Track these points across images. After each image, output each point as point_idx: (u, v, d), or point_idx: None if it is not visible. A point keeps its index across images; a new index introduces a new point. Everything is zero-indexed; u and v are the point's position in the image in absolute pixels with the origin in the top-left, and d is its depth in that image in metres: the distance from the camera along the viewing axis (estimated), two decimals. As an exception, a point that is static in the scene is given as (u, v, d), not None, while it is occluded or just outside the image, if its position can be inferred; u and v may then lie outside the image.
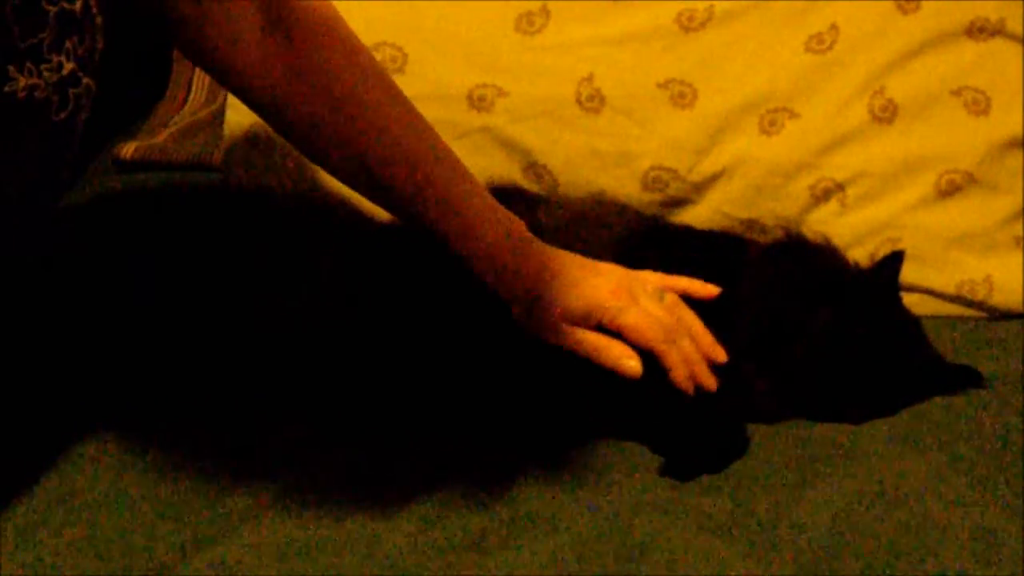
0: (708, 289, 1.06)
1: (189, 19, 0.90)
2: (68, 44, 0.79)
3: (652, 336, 0.99)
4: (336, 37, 0.96)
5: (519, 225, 1.01)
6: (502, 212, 1.01)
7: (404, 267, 1.10)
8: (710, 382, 1.01)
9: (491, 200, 1.01)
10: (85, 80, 0.82)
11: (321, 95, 0.94)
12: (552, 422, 1.03)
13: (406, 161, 0.97)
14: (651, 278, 1.05)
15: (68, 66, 0.79)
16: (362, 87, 0.96)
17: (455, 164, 1.00)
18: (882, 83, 1.30)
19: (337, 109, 0.95)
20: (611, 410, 1.03)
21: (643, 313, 1.00)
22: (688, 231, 1.24)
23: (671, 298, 1.04)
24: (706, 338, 1.03)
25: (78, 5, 0.79)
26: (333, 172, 1.01)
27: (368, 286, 1.09)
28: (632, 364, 0.98)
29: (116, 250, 1.14)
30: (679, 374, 1.00)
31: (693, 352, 1.02)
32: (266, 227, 1.17)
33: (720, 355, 1.02)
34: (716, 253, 1.16)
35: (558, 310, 0.99)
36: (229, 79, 0.95)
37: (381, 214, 1.05)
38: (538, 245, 1.01)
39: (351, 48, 0.96)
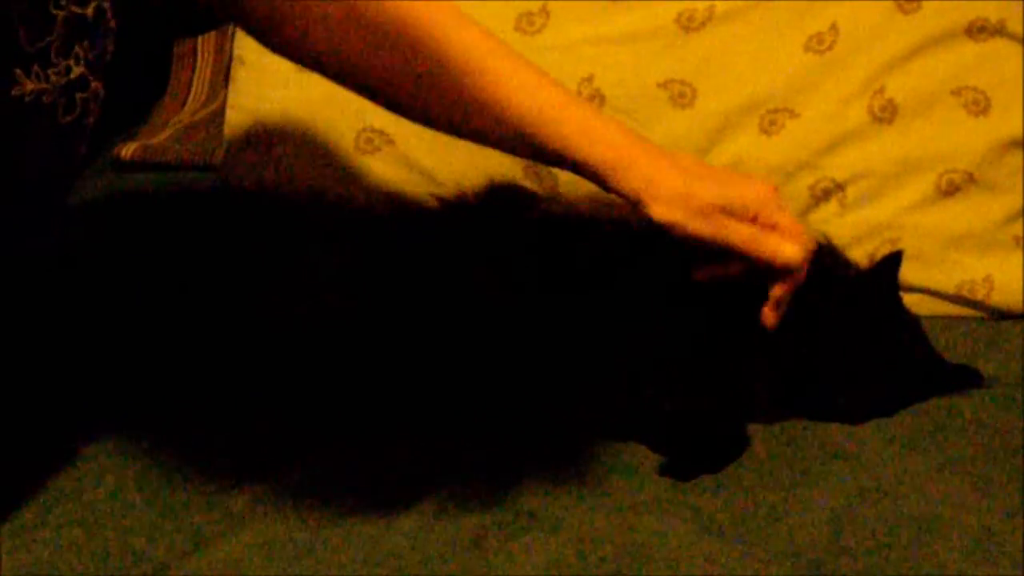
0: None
1: None
2: (78, 48, 0.79)
3: (803, 242, 0.99)
4: None
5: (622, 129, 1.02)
6: (611, 121, 1.02)
7: (403, 267, 1.10)
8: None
9: (592, 113, 1.02)
10: (94, 84, 0.82)
11: (385, 50, 0.97)
12: (552, 421, 1.03)
13: (513, 92, 0.99)
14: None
15: (77, 70, 0.79)
16: (438, 36, 0.99)
17: (551, 87, 1.01)
18: (882, 83, 1.30)
19: (408, 65, 0.97)
20: (612, 410, 1.03)
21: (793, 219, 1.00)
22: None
23: None
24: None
25: (90, 10, 0.79)
26: (432, 122, 1.03)
27: (368, 285, 1.09)
28: (792, 251, 0.98)
29: (116, 250, 1.14)
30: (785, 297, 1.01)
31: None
32: (266, 227, 1.17)
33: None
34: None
35: (706, 201, 0.98)
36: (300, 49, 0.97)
37: (381, 214, 1.06)
38: (657, 147, 1.02)
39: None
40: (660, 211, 0.98)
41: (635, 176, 0.99)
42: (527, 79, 1.00)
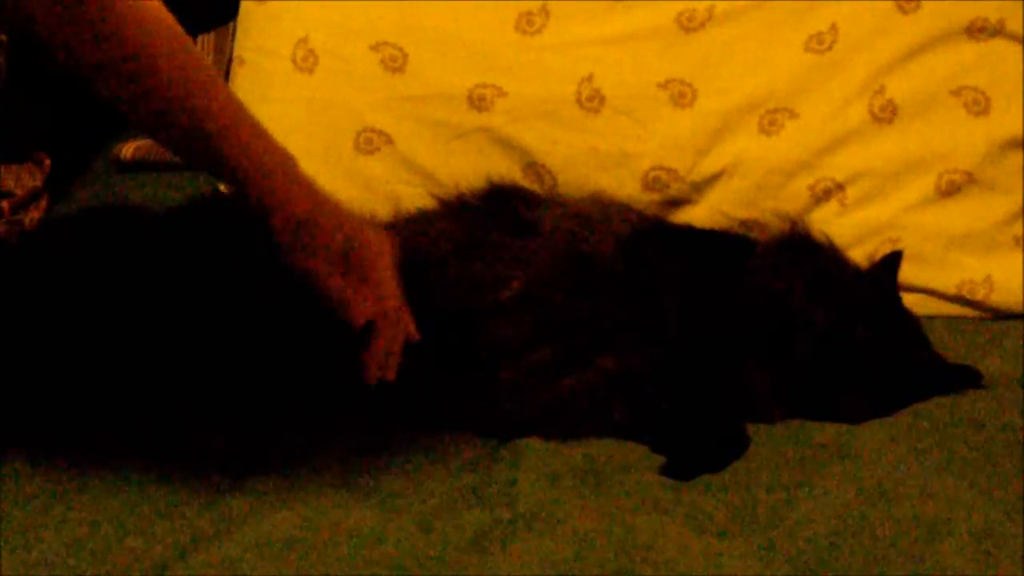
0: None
1: None
2: None
3: (388, 307, 1.00)
4: None
5: (292, 157, 1.02)
6: (273, 140, 1.02)
7: (403, 266, 1.10)
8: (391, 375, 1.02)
9: (262, 128, 1.02)
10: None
11: (110, 41, 0.94)
12: (552, 421, 1.03)
13: (185, 93, 0.98)
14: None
15: None
16: (143, 29, 0.96)
17: (228, 92, 1.02)
18: (882, 83, 1.30)
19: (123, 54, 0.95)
20: (613, 410, 1.03)
21: (391, 286, 1.02)
22: (690, 230, 1.24)
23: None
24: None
25: None
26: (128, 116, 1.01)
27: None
28: (359, 311, 0.99)
29: (116, 250, 1.14)
30: (375, 355, 1.00)
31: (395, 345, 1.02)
32: (265, 227, 1.17)
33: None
34: (718, 253, 1.16)
35: (327, 239, 0.99)
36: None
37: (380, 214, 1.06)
38: (309, 179, 1.02)
39: None
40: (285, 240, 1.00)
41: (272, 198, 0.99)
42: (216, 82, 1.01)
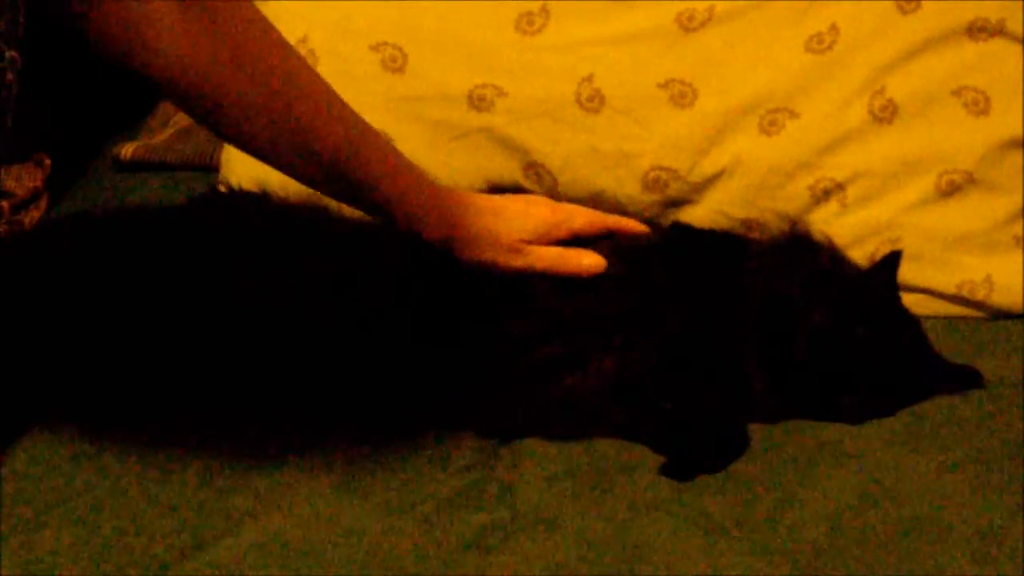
0: (637, 227, 1.15)
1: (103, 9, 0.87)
2: None
3: (605, 224, 1.13)
4: (248, 7, 0.96)
5: (438, 185, 1.09)
6: (416, 166, 1.08)
7: (403, 267, 1.10)
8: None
9: (404, 157, 1.07)
10: (9, 54, 0.82)
11: (246, 68, 0.94)
12: (552, 421, 1.03)
13: (333, 122, 1.01)
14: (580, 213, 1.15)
15: None
16: (280, 54, 0.98)
17: (364, 122, 1.05)
18: (882, 83, 1.30)
19: (263, 82, 0.95)
20: (613, 410, 1.03)
21: (585, 213, 1.13)
22: (690, 230, 1.24)
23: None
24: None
25: None
26: (259, 150, 1.01)
27: (366, 286, 1.09)
28: (593, 260, 1.08)
29: (115, 250, 1.14)
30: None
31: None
32: (265, 227, 1.17)
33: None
34: (718, 253, 1.16)
35: (513, 237, 1.08)
36: (151, 67, 0.91)
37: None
38: (456, 190, 1.11)
39: (261, 17, 0.98)
40: (471, 254, 1.07)
41: (442, 223, 1.07)
42: (343, 111, 1.03)
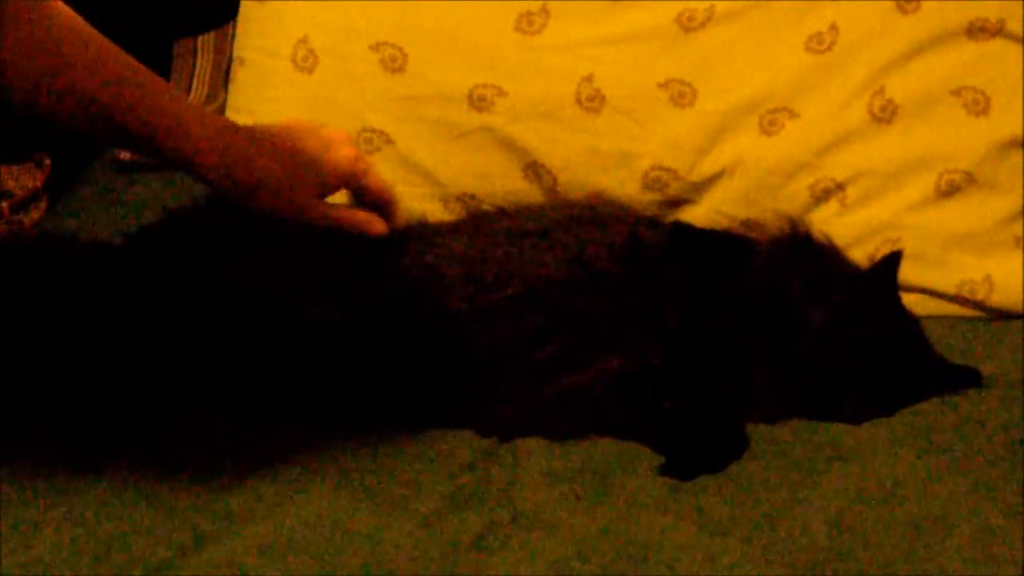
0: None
1: None
2: None
3: (389, 193, 1.05)
4: None
5: (230, 121, 1.02)
6: (208, 112, 1.02)
7: (402, 267, 1.10)
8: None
9: (196, 105, 1.02)
10: None
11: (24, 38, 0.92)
12: (553, 421, 1.03)
13: (109, 80, 0.95)
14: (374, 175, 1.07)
15: None
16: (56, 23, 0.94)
17: (130, 63, 0.98)
18: (882, 83, 1.30)
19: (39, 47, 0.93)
20: (613, 410, 1.03)
21: (376, 172, 1.05)
22: (690, 230, 1.24)
23: None
24: None
25: None
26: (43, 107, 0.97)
27: (364, 286, 1.09)
28: (380, 225, 1.03)
29: (116, 249, 1.14)
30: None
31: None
32: (265, 227, 1.17)
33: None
34: (719, 252, 1.16)
35: (310, 187, 1.01)
36: None
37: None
38: (261, 130, 1.02)
39: None
40: (257, 203, 0.99)
41: (225, 166, 0.98)
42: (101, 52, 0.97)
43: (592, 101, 1.30)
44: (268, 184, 0.99)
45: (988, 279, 1.27)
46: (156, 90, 0.98)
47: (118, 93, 0.95)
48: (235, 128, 1.00)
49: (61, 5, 0.96)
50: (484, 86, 1.31)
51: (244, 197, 0.99)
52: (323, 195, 1.02)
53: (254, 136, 1.00)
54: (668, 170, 1.29)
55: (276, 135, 1.02)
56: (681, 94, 1.30)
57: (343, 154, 1.03)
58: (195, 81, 1.64)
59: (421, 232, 1.17)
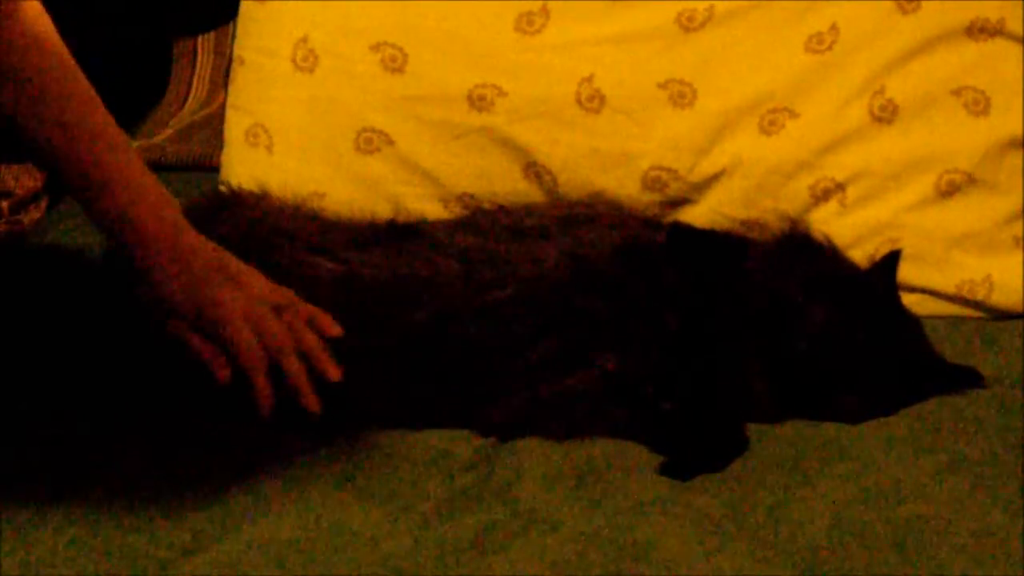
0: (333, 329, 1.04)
1: None
2: None
3: (245, 359, 1.00)
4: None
5: (174, 206, 1.04)
6: (156, 187, 1.03)
7: (402, 267, 1.10)
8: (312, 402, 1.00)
9: (149, 175, 1.03)
10: None
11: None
12: (552, 421, 1.03)
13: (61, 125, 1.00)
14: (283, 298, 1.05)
15: None
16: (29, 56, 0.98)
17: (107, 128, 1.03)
18: (882, 83, 1.30)
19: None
20: (613, 410, 1.03)
21: (245, 334, 1.01)
22: (690, 230, 1.24)
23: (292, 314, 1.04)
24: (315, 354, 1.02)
25: None
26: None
27: (364, 286, 1.09)
28: (224, 373, 1.00)
29: (115, 250, 1.14)
30: (264, 393, 1.00)
31: (296, 371, 1.01)
32: (266, 228, 1.17)
33: (332, 373, 1.01)
34: (718, 253, 1.16)
35: (177, 298, 1.01)
36: None
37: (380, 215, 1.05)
38: (192, 234, 1.03)
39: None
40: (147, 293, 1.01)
41: (146, 254, 1.01)
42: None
43: (592, 101, 1.30)
44: (161, 273, 1.01)
45: (988, 279, 1.27)
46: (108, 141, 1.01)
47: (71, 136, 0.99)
48: (172, 212, 1.02)
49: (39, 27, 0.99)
50: (484, 86, 1.31)
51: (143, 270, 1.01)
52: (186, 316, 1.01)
53: (180, 228, 1.03)
54: (668, 170, 1.29)
55: (203, 245, 1.03)
56: (681, 94, 1.30)
57: (229, 300, 1.02)
58: (195, 83, 1.64)
59: (420, 230, 1.17)
